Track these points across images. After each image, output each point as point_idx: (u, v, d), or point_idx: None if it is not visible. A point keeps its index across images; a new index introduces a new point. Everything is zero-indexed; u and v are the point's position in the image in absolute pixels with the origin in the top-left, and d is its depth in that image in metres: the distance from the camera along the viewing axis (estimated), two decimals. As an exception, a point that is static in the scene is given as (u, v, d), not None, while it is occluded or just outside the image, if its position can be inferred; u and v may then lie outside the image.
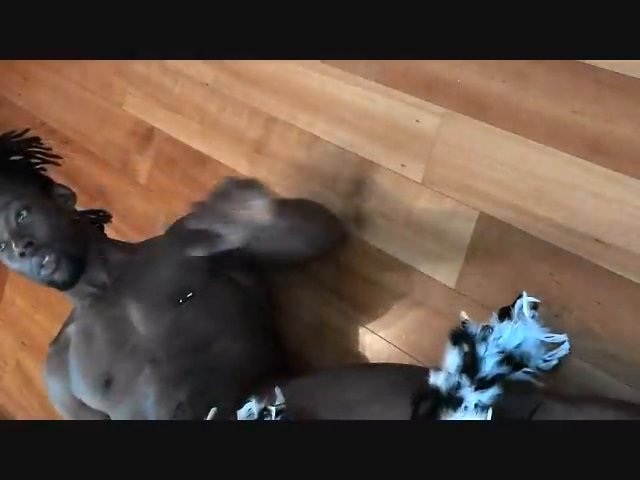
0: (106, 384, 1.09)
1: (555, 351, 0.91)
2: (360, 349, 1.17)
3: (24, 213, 1.09)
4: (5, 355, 1.93)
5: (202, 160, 1.48)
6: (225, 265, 1.15)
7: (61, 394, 1.20)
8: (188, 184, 1.50)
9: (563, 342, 0.91)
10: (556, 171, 0.98)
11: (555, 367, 0.91)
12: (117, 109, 1.70)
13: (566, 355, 0.92)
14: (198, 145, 1.49)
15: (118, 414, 1.09)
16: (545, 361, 0.91)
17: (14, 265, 1.11)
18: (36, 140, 1.24)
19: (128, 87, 1.68)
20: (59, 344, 1.21)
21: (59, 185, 1.22)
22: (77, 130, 1.81)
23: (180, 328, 1.07)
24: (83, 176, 1.77)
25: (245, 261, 1.15)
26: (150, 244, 1.24)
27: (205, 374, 1.04)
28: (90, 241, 1.16)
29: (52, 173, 1.39)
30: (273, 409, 0.82)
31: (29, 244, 1.07)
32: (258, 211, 0.83)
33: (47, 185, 1.20)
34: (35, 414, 1.78)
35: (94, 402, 1.13)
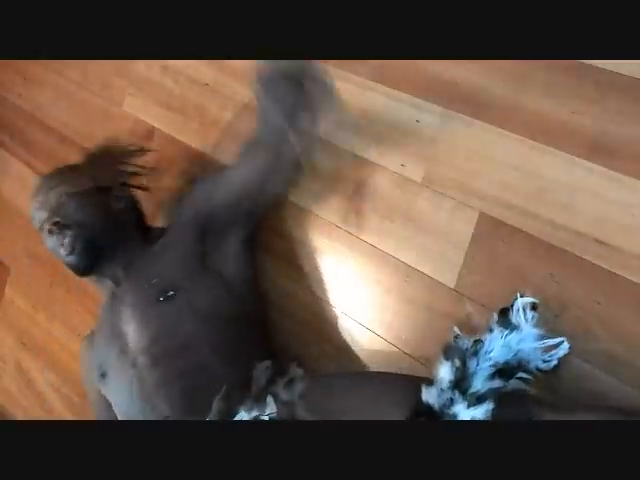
0: (102, 376, 1.13)
1: (555, 351, 0.91)
2: (359, 349, 1.17)
3: (64, 197, 1.19)
4: (5, 355, 1.93)
5: (202, 160, 1.48)
6: (215, 254, 1.17)
7: (86, 378, 1.26)
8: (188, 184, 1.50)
9: (562, 342, 0.91)
10: (556, 171, 0.98)
11: (555, 367, 0.91)
12: (117, 109, 1.70)
13: (566, 355, 0.92)
14: (198, 145, 1.49)
15: (116, 403, 1.11)
16: (545, 361, 0.91)
17: (46, 242, 1.20)
18: (136, 154, 1.32)
19: (128, 87, 1.68)
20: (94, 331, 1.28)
21: (124, 188, 1.29)
22: (77, 130, 1.81)
23: (161, 329, 1.07)
24: (83, 176, 1.77)
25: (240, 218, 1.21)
26: (162, 232, 1.27)
27: (188, 380, 1.03)
28: (121, 242, 1.21)
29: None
30: (266, 418, 0.82)
31: (56, 223, 1.17)
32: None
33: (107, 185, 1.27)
34: (35, 414, 1.78)
35: (101, 389, 1.17)
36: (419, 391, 0.80)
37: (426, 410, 0.78)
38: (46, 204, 1.20)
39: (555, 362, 0.92)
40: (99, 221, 1.20)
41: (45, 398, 1.75)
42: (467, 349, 0.82)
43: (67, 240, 1.17)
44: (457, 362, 0.80)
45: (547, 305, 0.93)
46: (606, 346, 0.91)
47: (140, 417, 1.03)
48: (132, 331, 1.09)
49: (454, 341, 0.83)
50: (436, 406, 0.78)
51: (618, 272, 0.91)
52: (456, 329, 0.87)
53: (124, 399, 1.07)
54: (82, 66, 1.82)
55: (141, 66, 1.64)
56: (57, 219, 1.18)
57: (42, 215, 1.20)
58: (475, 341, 0.83)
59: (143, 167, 1.32)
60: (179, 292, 1.09)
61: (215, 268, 1.16)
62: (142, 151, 1.32)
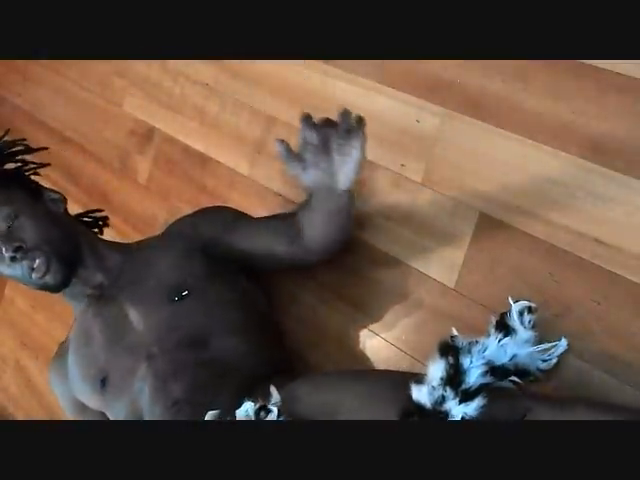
0: (102, 383, 1.10)
1: (553, 350, 0.91)
2: (360, 349, 1.17)
3: (13, 218, 1.09)
4: (5, 355, 1.93)
5: (202, 160, 1.48)
6: (222, 264, 1.16)
7: (65, 396, 1.23)
8: (188, 184, 1.50)
9: (560, 341, 0.91)
10: (556, 171, 0.98)
11: (555, 365, 0.91)
12: (117, 109, 1.70)
13: (566, 355, 0.92)
14: (198, 145, 1.49)
15: (115, 413, 1.09)
16: (544, 361, 0.91)
17: (6, 271, 1.11)
18: (21, 141, 1.23)
19: (128, 87, 1.68)
20: (62, 348, 1.23)
21: (48, 189, 1.21)
22: (77, 130, 1.81)
23: (175, 326, 1.07)
24: (83, 176, 1.77)
25: (243, 263, 1.18)
26: (146, 244, 1.24)
27: (202, 371, 1.04)
28: (82, 243, 1.16)
29: (54, 174, 1.39)
30: (274, 408, 0.83)
31: (19, 248, 1.07)
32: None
33: (36, 190, 1.19)
34: (35, 414, 1.78)
35: (92, 402, 1.14)
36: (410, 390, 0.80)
37: (417, 409, 0.78)
38: None
39: (555, 360, 0.92)
40: (57, 232, 1.13)
41: (45, 398, 1.76)
42: (462, 347, 0.82)
43: (40, 262, 1.08)
44: (450, 359, 0.80)
45: (547, 305, 0.93)
46: (606, 346, 0.91)
47: (146, 409, 1.03)
48: (144, 329, 1.08)
49: (450, 340, 0.84)
50: (428, 404, 0.78)
51: (618, 272, 0.91)
52: (454, 330, 0.87)
53: (130, 397, 1.06)
54: (82, 66, 1.82)
55: (141, 66, 1.64)
56: (17, 244, 1.07)
57: None
58: (470, 342, 0.83)
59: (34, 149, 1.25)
60: (193, 291, 1.10)
61: (221, 272, 1.16)
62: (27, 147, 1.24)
